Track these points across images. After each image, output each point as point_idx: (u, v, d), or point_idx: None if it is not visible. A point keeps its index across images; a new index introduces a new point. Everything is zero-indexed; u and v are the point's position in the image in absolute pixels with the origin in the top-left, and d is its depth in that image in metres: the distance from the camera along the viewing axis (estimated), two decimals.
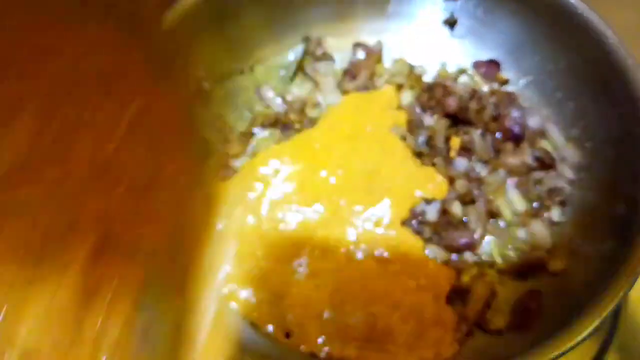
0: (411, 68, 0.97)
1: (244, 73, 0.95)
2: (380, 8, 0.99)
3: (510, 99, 0.92)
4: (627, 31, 0.83)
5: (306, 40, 0.98)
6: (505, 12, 0.93)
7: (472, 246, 0.81)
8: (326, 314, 0.76)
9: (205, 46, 0.91)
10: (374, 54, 0.98)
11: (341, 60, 0.99)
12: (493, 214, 0.85)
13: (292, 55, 0.96)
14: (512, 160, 0.87)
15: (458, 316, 0.76)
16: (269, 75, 0.96)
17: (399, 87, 0.94)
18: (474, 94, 0.91)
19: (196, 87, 0.91)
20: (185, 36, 0.85)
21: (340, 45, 1.00)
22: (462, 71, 0.97)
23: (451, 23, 0.98)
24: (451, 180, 0.85)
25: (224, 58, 0.94)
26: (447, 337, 0.75)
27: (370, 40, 1.00)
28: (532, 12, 0.90)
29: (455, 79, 0.96)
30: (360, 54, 0.99)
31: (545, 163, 0.86)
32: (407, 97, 0.94)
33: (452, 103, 0.89)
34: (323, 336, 0.75)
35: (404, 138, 0.89)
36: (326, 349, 0.74)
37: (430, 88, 0.93)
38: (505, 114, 0.89)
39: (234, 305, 0.76)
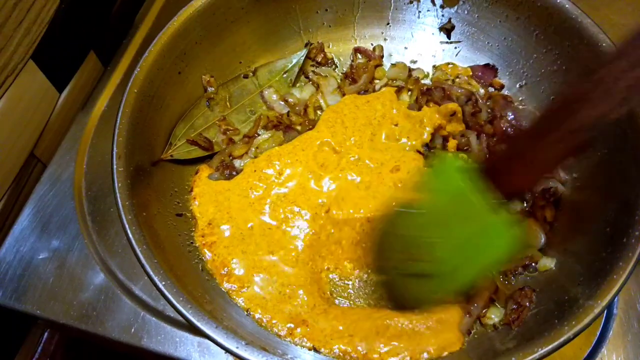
0: (410, 72, 0.99)
1: (248, 77, 0.96)
2: (379, 15, 1.01)
3: (505, 102, 0.93)
4: (621, 36, 0.83)
5: (308, 45, 1.01)
6: (500, 18, 0.94)
7: None
8: (331, 311, 0.77)
9: (211, 51, 0.93)
10: (374, 59, 1.00)
11: (342, 65, 1.02)
12: None
13: (295, 59, 0.98)
14: None
15: (464, 311, 0.77)
16: (272, 79, 0.97)
17: (398, 90, 0.96)
18: (470, 97, 0.92)
19: (203, 90, 0.92)
20: (192, 40, 0.87)
21: (341, 50, 1.03)
22: (458, 75, 0.98)
23: (448, 29, 1.00)
24: None
25: (229, 63, 0.96)
26: (455, 331, 0.75)
27: (370, 45, 1.03)
28: (526, 17, 0.90)
29: (452, 82, 0.97)
30: (361, 59, 1.01)
31: None
32: (405, 99, 0.95)
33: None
34: (327, 331, 0.75)
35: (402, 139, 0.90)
36: (332, 344, 0.74)
37: (428, 91, 0.95)
38: (499, 116, 0.90)
39: (240, 301, 0.77)
